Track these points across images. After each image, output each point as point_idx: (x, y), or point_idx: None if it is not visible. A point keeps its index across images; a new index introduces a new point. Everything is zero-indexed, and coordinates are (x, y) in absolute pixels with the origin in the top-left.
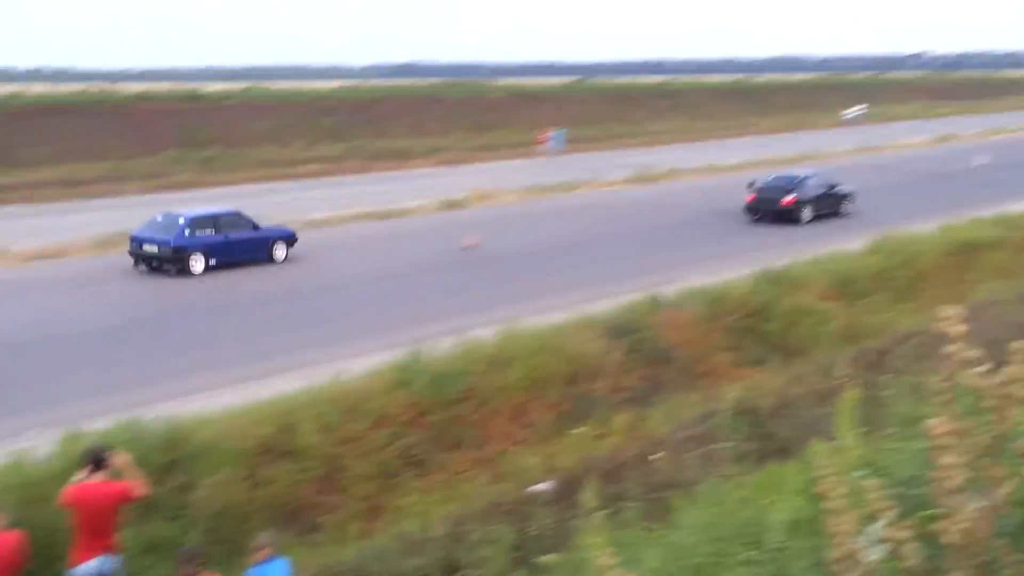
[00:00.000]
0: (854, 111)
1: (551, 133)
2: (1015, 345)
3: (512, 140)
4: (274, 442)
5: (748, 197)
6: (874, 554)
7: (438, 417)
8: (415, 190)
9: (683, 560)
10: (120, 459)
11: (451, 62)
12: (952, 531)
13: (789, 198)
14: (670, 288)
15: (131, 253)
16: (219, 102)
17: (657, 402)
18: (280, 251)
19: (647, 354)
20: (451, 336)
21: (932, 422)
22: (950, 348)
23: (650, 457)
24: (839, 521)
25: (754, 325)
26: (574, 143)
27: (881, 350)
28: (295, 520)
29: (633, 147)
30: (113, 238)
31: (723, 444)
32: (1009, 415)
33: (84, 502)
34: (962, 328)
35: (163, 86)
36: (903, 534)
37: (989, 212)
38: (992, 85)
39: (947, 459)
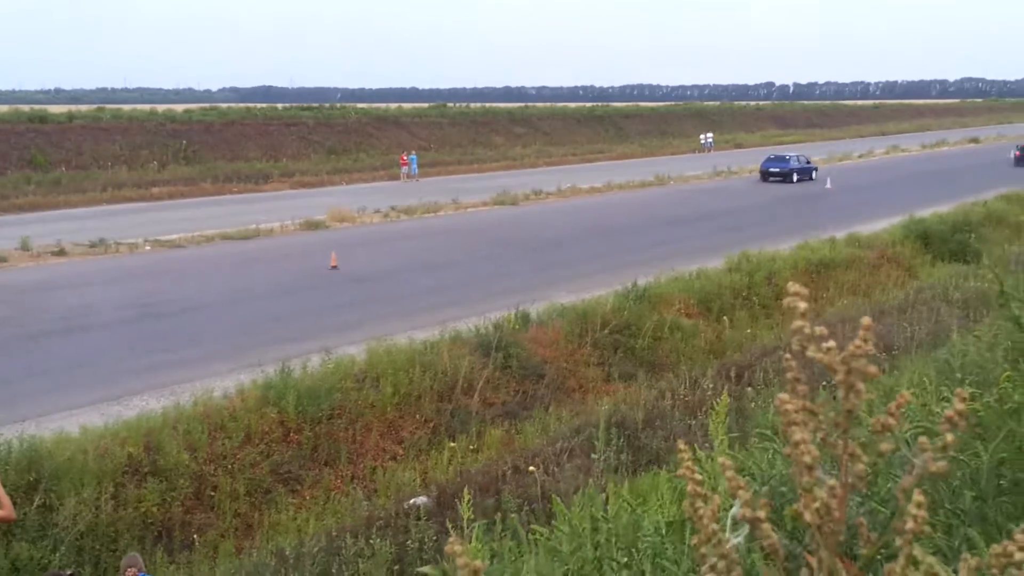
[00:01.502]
0: (705, 138)
1: (410, 156)
2: (863, 320)
3: (369, 163)
4: (140, 461)
5: (1016, 153)
6: (735, 537)
7: (309, 434)
8: (273, 212)
9: (561, 567)
10: None
11: (305, 86)
12: (809, 510)
13: None
14: (538, 305)
15: (761, 173)
16: (67, 123)
17: (530, 416)
18: (813, 175)
19: (518, 369)
20: (320, 355)
21: (782, 396)
22: (796, 324)
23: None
24: (700, 505)
25: (621, 341)
26: (433, 166)
27: (744, 364)
28: (166, 539)
29: (490, 171)
30: None
31: (597, 456)
32: (858, 390)
33: None
34: (807, 304)
35: (7, 108)
36: (760, 513)
37: (841, 233)
38: (835, 114)
39: (798, 435)
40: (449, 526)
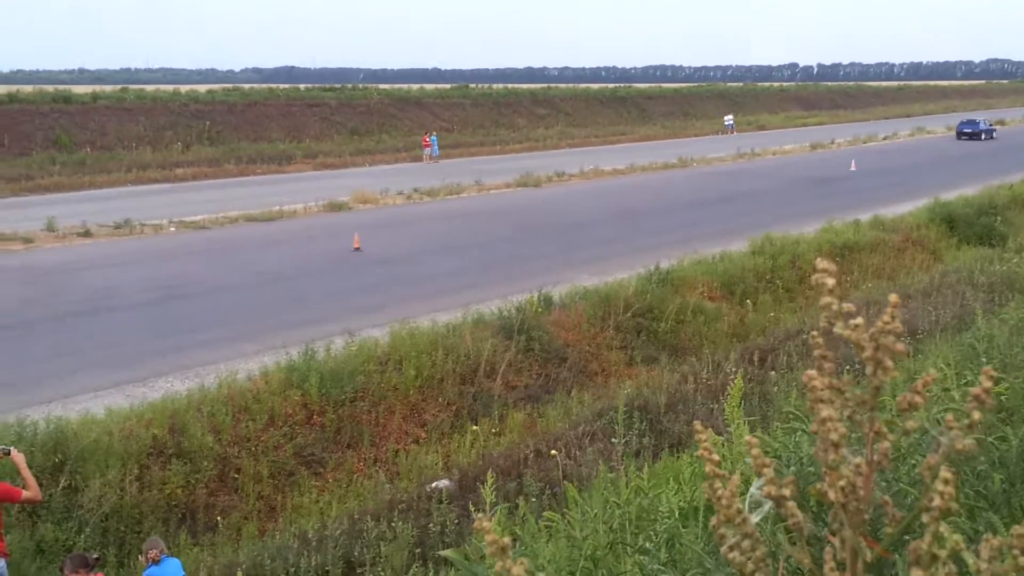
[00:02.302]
0: (728, 120)
1: (431, 137)
2: (891, 297)
3: (392, 145)
4: (164, 443)
5: None
6: (757, 515)
7: (332, 416)
8: (297, 193)
9: (580, 550)
10: (15, 458)
11: (327, 67)
12: (834, 488)
13: None
14: (560, 288)
15: (956, 133)
16: (91, 104)
17: (552, 400)
18: (993, 135)
19: (540, 353)
20: (343, 337)
21: (809, 373)
22: (824, 300)
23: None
24: (719, 486)
25: (644, 324)
26: (456, 148)
27: (767, 348)
28: (190, 521)
29: (512, 153)
30: None
31: (618, 440)
32: (886, 367)
33: None
34: (835, 281)
35: (32, 88)
36: (784, 491)
37: (865, 215)
38: (860, 96)
39: (825, 412)
40: (472, 508)
